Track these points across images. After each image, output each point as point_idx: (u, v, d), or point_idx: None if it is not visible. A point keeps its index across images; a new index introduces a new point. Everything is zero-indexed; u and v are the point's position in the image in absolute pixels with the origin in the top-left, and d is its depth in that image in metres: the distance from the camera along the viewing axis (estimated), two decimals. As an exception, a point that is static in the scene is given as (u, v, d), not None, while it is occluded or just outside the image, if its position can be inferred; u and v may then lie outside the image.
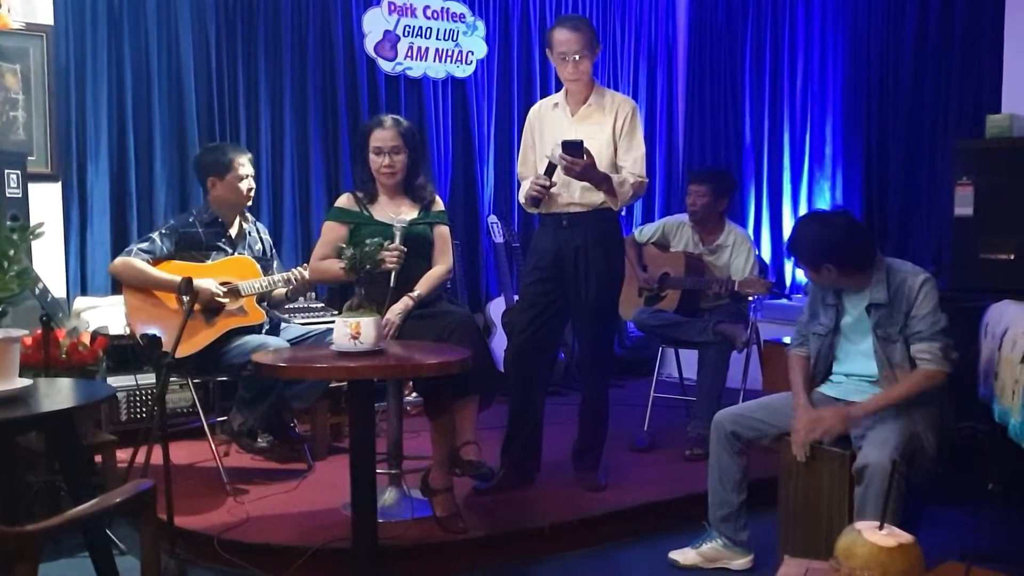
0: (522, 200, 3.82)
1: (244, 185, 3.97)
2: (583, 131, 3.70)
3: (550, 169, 3.64)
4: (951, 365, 3.00)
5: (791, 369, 3.27)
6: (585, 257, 3.75)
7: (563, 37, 3.70)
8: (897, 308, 3.03)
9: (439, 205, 3.79)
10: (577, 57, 3.69)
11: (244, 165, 3.98)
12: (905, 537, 1.90)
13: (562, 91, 3.88)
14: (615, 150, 3.75)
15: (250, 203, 4.07)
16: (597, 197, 3.71)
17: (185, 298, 3.52)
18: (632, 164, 3.75)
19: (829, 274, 3.09)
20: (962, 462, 3.62)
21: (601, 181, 3.63)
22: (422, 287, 3.56)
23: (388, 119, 3.67)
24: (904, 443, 2.87)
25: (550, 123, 3.83)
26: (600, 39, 6.29)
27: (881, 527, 1.92)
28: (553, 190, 3.71)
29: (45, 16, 4.58)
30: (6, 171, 3.86)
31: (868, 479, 2.80)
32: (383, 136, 3.62)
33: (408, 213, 3.66)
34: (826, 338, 3.20)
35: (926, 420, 2.98)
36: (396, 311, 3.47)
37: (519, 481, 3.84)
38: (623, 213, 3.93)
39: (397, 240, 3.44)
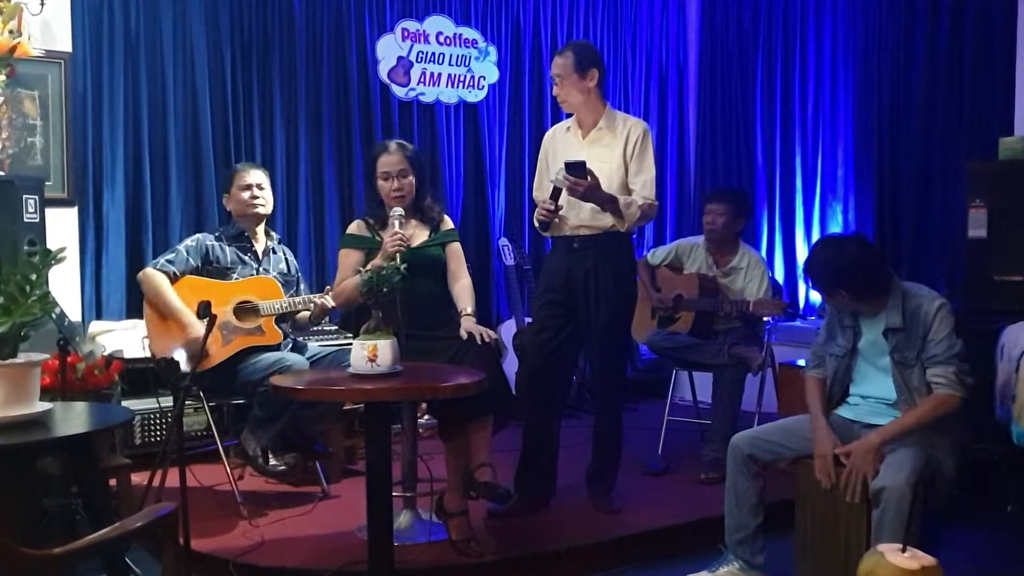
0: (535, 224, 3.84)
1: (247, 195, 3.99)
2: (594, 153, 3.71)
3: (555, 193, 3.65)
4: (966, 390, 2.99)
5: (808, 391, 3.26)
6: (596, 279, 3.75)
7: (552, 62, 3.81)
8: (914, 333, 3.03)
9: (448, 224, 3.83)
10: (557, 79, 3.75)
11: (248, 176, 4.01)
12: (927, 559, 1.90)
13: (574, 115, 3.89)
14: (626, 172, 3.76)
15: (260, 211, 4.04)
16: (607, 220, 3.71)
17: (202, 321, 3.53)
18: (641, 187, 3.74)
19: (842, 299, 3.11)
20: (980, 484, 3.60)
21: (606, 202, 3.63)
22: (468, 302, 3.66)
23: (393, 144, 3.72)
24: (922, 466, 2.85)
25: (562, 146, 3.84)
26: (610, 62, 6.41)
27: (903, 550, 1.91)
28: (562, 212, 3.72)
29: (64, 43, 4.63)
30: (24, 196, 3.88)
31: (885, 502, 2.78)
32: (390, 161, 3.66)
33: (419, 235, 3.69)
34: (843, 359, 3.19)
35: (944, 443, 2.97)
36: (474, 323, 3.55)
37: (533, 505, 3.83)
38: (634, 235, 3.93)
39: (396, 226, 3.49)
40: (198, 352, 3.31)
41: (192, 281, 3.89)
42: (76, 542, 1.86)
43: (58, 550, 1.74)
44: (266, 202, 4.07)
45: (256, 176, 4.05)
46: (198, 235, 4.05)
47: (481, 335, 3.47)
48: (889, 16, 5.49)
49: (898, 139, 5.47)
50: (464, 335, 3.49)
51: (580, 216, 3.74)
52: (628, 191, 3.74)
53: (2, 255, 3.63)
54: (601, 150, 3.76)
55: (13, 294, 2.38)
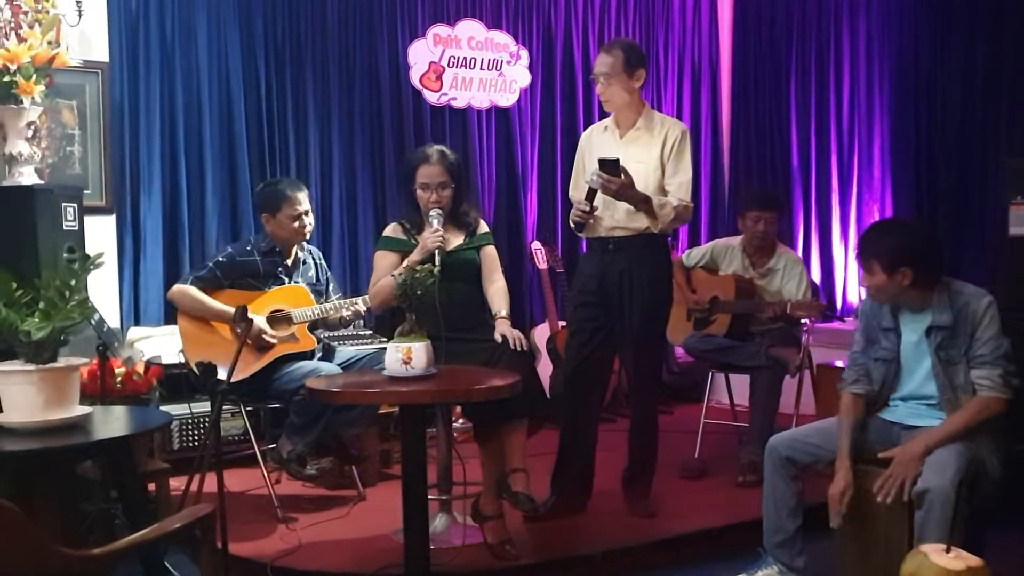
0: (571, 224, 3.83)
1: (297, 224, 3.97)
2: (631, 153, 3.68)
3: (591, 193, 3.62)
4: (1012, 392, 2.93)
5: (841, 413, 3.12)
6: (630, 281, 3.71)
7: (597, 59, 3.78)
8: (961, 330, 2.97)
9: (483, 228, 3.82)
10: (603, 78, 3.71)
11: (299, 203, 3.97)
12: (973, 560, 1.86)
13: (612, 115, 3.87)
14: (663, 173, 3.73)
15: (306, 237, 4.09)
16: (642, 221, 3.67)
17: (239, 326, 3.56)
18: (677, 188, 3.71)
19: (902, 280, 2.97)
20: (1022, 485, 3.52)
21: (639, 201, 3.59)
22: (503, 305, 3.62)
23: (435, 154, 3.66)
24: (965, 466, 2.79)
25: (599, 146, 3.81)
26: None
27: (948, 550, 1.87)
28: (597, 213, 3.69)
29: (101, 53, 4.70)
30: (63, 204, 3.93)
31: (928, 504, 2.73)
32: (430, 172, 3.63)
33: (455, 239, 3.69)
34: (892, 363, 3.10)
35: (988, 443, 2.91)
36: (509, 327, 3.52)
37: (570, 508, 3.81)
38: (669, 237, 3.90)
39: (436, 224, 3.53)
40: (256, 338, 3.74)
41: (226, 294, 3.91)
42: (115, 543, 1.88)
43: (97, 550, 1.75)
44: (312, 225, 4.08)
45: (305, 202, 4.01)
46: (229, 250, 4.06)
47: (513, 342, 3.47)
48: (926, 11, 5.42)
49: (936, 135, 5.40)
50: (499, 338, 3.48)
51: (615, 217, 3.72)
52: (664, 192, 3.71)
53: (42, 262, 3.68)
54: (638, 150, 3.73)
55: (53, 299, 2.41)
